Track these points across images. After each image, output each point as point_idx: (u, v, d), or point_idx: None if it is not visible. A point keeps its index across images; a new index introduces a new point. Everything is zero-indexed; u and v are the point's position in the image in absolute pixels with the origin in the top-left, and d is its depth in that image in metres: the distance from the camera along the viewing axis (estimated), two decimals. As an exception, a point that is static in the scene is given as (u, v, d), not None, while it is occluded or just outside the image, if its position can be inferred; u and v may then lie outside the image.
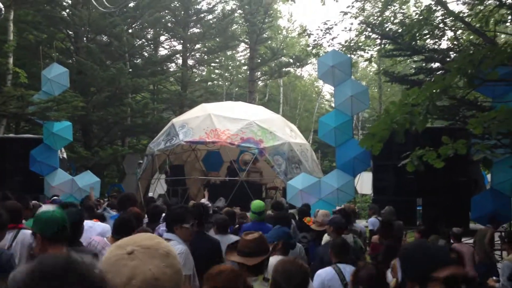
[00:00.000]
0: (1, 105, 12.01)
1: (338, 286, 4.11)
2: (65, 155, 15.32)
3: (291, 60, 31.19)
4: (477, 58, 4.21)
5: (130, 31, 24.31)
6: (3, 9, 9.31)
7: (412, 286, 1.84)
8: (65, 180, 13.54)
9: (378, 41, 15.31)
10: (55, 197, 10.67)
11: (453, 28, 11.20)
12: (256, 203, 6.47)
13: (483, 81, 5.12)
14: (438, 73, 10.30)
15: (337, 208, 9.75)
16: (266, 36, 31.68)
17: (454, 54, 10.62)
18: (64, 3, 21.48)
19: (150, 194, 16.12)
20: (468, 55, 4.17)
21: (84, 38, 22.24)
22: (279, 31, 38.71)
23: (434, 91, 3.75)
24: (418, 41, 11.33)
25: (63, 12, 21.41)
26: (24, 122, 20.19)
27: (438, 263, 1.80)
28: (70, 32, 21.97)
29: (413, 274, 1.86)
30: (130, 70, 23.16)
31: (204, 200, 7.25)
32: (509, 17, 10.21)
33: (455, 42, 11.14)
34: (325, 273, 4.21)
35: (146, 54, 28.10)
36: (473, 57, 4.22)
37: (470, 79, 4.03)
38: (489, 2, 9.97)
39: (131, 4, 24.65)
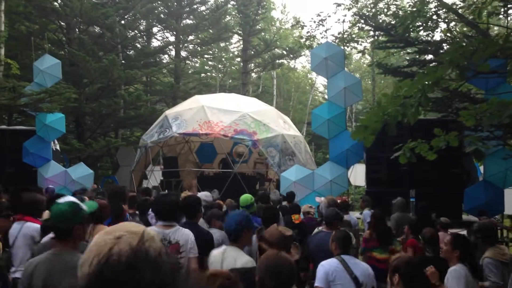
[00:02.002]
0: (-8, 97, 11.91)
1: (346, 279, 4.06)
2: (58, 147, 15.26)
3: (285, 52, 31.14)
4: (468, 50, 4.22)
5: (122, 22, 24.14)
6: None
7: None
8: (59, 172, 13.51)
9: (372, 33, 15.31)
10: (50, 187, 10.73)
11: (446, 20, 11.22)
12: (243, 197, 6.49)
13: (475, 73, 5.15)
14: (431, 65, 10.30)
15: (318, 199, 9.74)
16: (259, 27, 31.58)
17: (447, 46, 10.64)
18: (56, -6, 21.28)
19: (144, 185, 16.12)
20: (460, 47, 4.19)
21: (76, 29, 22.05)
22: (273, 23, 38.61)
23: (426, 83, 3.77)
24: (411, 33, 11.34)
25: (55, 3, 21.18)
26: (16, 114, 20.05)
27: None
28: (62, 23, 21.76)
29: None
30: (123, 61, 23.03)
31: (202, 194, 7.24)
32: (502, 9, 10.22)
33: (448, 34, 11.16)
34: (328, 264, 4.17)
35: (138, 45, 27.91)
36: (464, 49, 4.23)
37: (461, 71, 4.05)
38: (482, -6, 9.98)
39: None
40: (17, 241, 4.54)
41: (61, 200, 3.04)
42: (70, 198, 3.10)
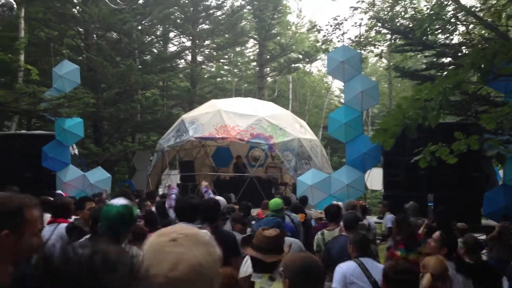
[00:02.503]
0: (13, 102, 12.11)
1: (364, 283, 3.99)
2: (76, 151, 15.42)
3: (300, 56, 31.14)
4: (490, 53, 4.18)
5: (139, 27, 24.37)
6: (15, 6, 9.37)
7: None
8: (77, 176, 13.64)
9: (388, 36, 15.22)
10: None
11: (465, 23, 11.11)
12: (274, 201, 6.38)
13: (496, 76, 5.09)
14: (449, 68, 10.22)
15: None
16: (275, 32, 31.63)
17: (466, 49, 10.54)
18: (75, 0, 21.58)
19: (160, 190, 16.20)
20: (481, 50, 4.15)
21: (94, 35, 22.34)
22: (288, 27, 38.59)
23: (447, 86, 3.74)
24: (429, 36, 11.24)
25: (73, 9, 21.52)
26: (35, 119, 20.35)
27: None
28: (80, 29, 22.07)
29: None
30: (140, 66, 23.23)
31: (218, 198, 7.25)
32: (522, 12, 10.10)
33: (466, 37, 11.05)
34: (346, 266, 4.12)
35: (155, 50, 28.17)
36: (486, 52, 4.19)
37: (483, 74, 4.01)
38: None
39: (141, 1, 24.75)
40: (51, 242, 4.66)
41: (115, 202, 3.06)
42: (122, 201, 3.12)
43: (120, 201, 3.09)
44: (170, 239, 1.22)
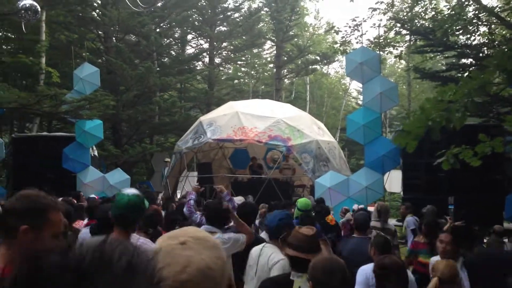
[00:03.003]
0: (35, 104, 12.29)
1: None
2: (96, 153, 15.59)
3: (318, 58, 31.07)
4: (515, 54, 4.11)
5: (158, 30, 24.58)
6: (39, 11, 9.52)
7: None
8: (97, 177, 13.78)
9: (407, 37, 15.09)
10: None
11: (486, 23, 10.95)
12: (304, 201, 6.41)
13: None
14: (471, 69, 10.08)
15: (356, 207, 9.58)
16: (292, 33, 31.62)
17: (488, 50, 10.39)
18: (95, 4, 21.85)
19: (178, 192, 16.29)
20: (508, 51, 4.08)
21: (114, 38, 22.58)
22: (306, 29, 38.54)
23: (472, 87, 3.69)
24: (450, 37, 11.11)
25: (93, 13, 21.80)
26: (55, 121, 20.64)
27: None
28: (100, 32, 22.33)
29: None
30: (158, 69, 23.42)
31: (236, 199, 7.27)
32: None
33: (488, 37, 10.89)
34: (369, 268, 4.13)
35: (173, 53, 28.38)
36: (511, 53, 4.12)
37: (509, 75, 3.95)
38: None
39: (159, 4, 24.95)
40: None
41: (127, 191, 3.12)
42: (134, 190, 3.18)
43: (131, 191, 3.15)
44: (179, 242, 1.23)
